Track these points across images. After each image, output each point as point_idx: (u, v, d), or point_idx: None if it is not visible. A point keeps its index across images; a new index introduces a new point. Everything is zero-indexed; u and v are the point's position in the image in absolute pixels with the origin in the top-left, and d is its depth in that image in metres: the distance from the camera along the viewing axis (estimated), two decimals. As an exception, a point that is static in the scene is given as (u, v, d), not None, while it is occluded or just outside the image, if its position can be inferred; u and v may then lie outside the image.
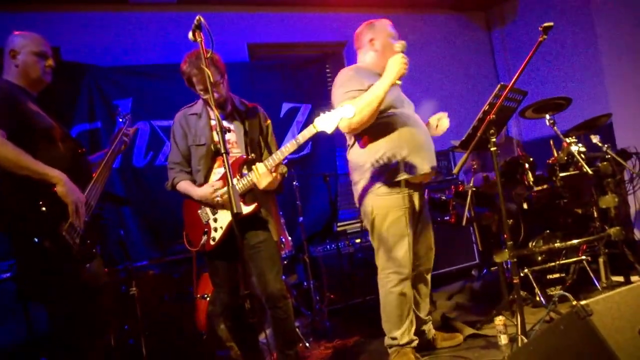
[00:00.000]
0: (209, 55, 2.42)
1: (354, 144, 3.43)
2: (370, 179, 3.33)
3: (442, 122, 3.59)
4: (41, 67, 2.86)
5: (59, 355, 2.91)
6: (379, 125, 3.27)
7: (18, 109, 2.66)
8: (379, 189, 3.31)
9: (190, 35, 2.41)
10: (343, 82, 3.34)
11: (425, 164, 3.31)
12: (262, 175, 3.02)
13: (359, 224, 5.68)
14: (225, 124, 3.18)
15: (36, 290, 2.86)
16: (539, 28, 2.86)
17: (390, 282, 3.31)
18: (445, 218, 5.07)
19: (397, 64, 3.10)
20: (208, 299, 3.83)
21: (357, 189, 3.45)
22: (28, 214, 2.57)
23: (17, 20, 4.94)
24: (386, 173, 3.28)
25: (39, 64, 2.85)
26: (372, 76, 3.33)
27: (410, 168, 3.27)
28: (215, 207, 3.14)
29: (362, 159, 3.38)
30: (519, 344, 2.93)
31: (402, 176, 3.26)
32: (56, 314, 2.79)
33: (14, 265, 3.62)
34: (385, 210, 3.30)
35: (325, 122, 2.92)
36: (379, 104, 3.15)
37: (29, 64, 2.82)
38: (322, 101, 5.59)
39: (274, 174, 3.03)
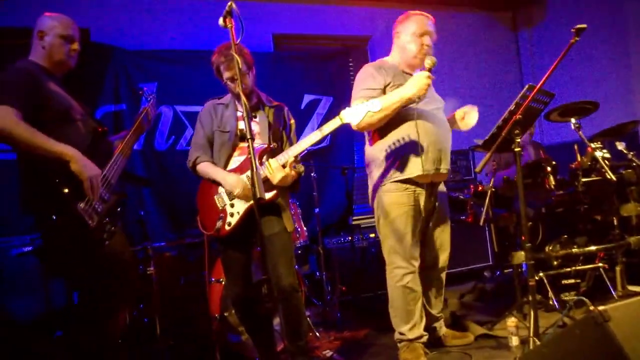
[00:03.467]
0: (238, 40, 2.43)
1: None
2: (379, 175, 3.35)
3: (469, 115, 3.52)
4: (66, 50, 2.88)
5: (75, 330, 2.96)
6: (391, 121, 3.27)
7: (38, 89, 2.68)
8: (386, 185, 3.32)
9: (220, 21, 2.41)
10: (360, 79, 3.35)
11: (431, 163, 3.28)
12: (274, 169, 3.03)
13: (373, 219, 5.67)
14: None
15: (56, 265, 2.90)
16: (572, 30, 2.84)
17: (395, 277, 3.32)
18: (462, 217, 5.06)
19: (418, 83, 3.06)
20: (222, 282, 3.86)
21: (370, 183, 3.47)
22: (46, 192, 2.59)
23: (48, 1, 4.98)
24: (393, 170, 3.29)
25: (64, 47, 2.87)
26: (394, 73, 3.34)
27: (415, 167, 3.26)
28: (230, 196, 3.16)
29: (373, 154, 3.40)
30: (531, 346, 2.93)
31: (407, 174, 3.27)
32: (75, 290, 2.83)
33: (36, 239, 3.68)
34: (389, 206, 3.31)
35: (351, 114, 2.93)
36: (391, 113, 3.17)
37: (54, 46, 2.84)
38: (343, 94, 5.59)
39: (287, 170, 3.05)
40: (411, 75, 3.34)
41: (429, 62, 3.09)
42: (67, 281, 3.13)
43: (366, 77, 3.33)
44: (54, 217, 2.56)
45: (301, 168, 3.30)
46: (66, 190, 2.57)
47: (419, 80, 3.05)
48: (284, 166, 3.06)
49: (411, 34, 3.38)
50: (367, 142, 3.50)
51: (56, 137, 2.60)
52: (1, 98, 2.55)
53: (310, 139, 3.01)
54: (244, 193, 3.06)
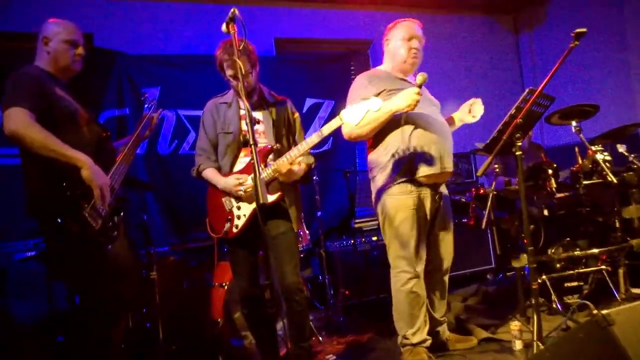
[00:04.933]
0: (241, 46, 2.45)
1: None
2: (383, 178, 3.37)
3: (475, 107, 3.57)
4: (71, 55, 2.91)
5: (78, 335, 2.97)
6: (390, 125, 3.30)
7: (44, 93, 2.70)
8: (390, 188, 3.33)
9: (223, 27, 2.43)
10: (354, 89, 3.41)
11: (435, 164, 3.30)
12: (281, 166, 3.05)
13: (376, 222, 5.68)
14: (254, 114, 3.20)
15: (59, 269, 2.92)
16: (571, 34, 2.85)
17: (400, 281, 3.33)
18: (464, 220, 5.06)
19: (408, 98, 3.06)
20: (225, 287, 3.87)
21: (373, 187, 3.49)
22: (52, 195, 2.61)
23: (53, 6, 5.02)
24: (397, 173, 3.31)
25: (69, 52, 2.91)
26: (388, 80, 3.37)
27: (420, 167, 3.28)
28: (237, 198, 3.17)
29: (375, 159, 3.42)
30: (535, 350, 2.93)
31: (411, 176, 3.29)
32: (77, 294, 2.84)
33: (39, 244, 3.69)
34: (394, 210, 3.32)
35: (351, 114, 2.94)
36: (379, 125, 3.25)
37: (59, 51, 2.88)
38: (345, 98, 5.58)
39: (295, 166, 3.07)
40: (405, 80, 3.43)
41: (420, 78, 3.07)
42: (69, 285, 3.13)
43: (359, 88, 3.38)
44: (60, 220, 2.58)
45: (311, 159, 3.32)
46: (72, 193, 2.59)
47: (409, 96, 3.06)
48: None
49: (400, 39, 3.44)
50: (368, 144, 3.53)
51: (63, 141, 2.63)
52: (13, 100, 2.58)
53: (312, 140, 3.03)
54: (247, 194, 3.08)
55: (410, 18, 3.54)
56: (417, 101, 3.06)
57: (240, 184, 3.09)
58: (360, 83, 3.41)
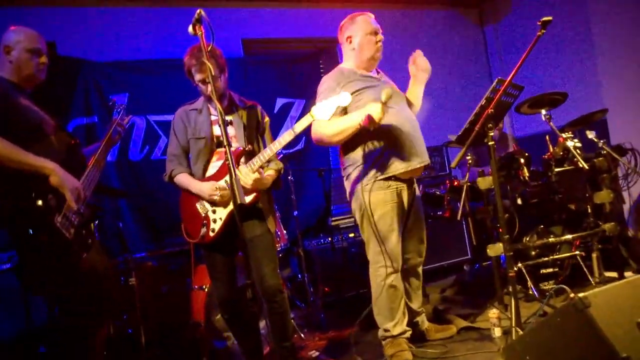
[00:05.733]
0: (209, 48, 2.43)
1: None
2: (360, 174, 3.37)
3: (418, 61, 3.58)
4: (35, 64, 2.86)
5: (58, 345, 2.93)
6: None
7: (8, 104, 2.66)
8: (368, 185, 3.33)
9: (190, 28, 2.42)
10: (321, 92, 3.39)
11: (413, 159, 3.33)
12: (244, 175, 3.02)
13: (352, 219, 5.71)
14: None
15: (35, 281, 2.87)
16: (538, 22, 2.90)
17: (380, 276, 3.35)
18: (439, 213, 5.11)
19: (374, 114, 3.04)
20: (205, 290, 3.85)
21: (348, 184, 3.49)
22: (22, 207, 2.57)
23: (14, 15, 4.93)
24: (375, 169, 3.32)
25: (32, 60, 2.85)
26: (354, 79, 3.36)
27: (398, 163, 3.30)
28: (211, 203, 3.15)
29: (349, 156, 3.43)
30: (513, 337, 2.97)
31: (390, 172, 3.30)
32: (55, 304, 2.81)
33: (13, 257, 3.63)
34: (374, 205, 3.33)
35: (322, 111, 2.95)
36: (345, 137, 3.28)
37: (22, 60, 2.82)
38: (315, 96, 5.59)
39: (256, 175, 3.04)
40: (370, 76, 3.43)
41: (384, 96, 3.06)
42: (47, 297, 3.08)
43: (326, 90, 3.35)
44: (31, 232, 2.54)
45: (280, 165, 3.31)
46: (42, 204, 2.55)
47: (374, 113, 3.04)
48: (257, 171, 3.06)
49: (365, 35, 3.42)
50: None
51: (30, 152, 2.59)
52: None
53: (284, 138, 3.02)
54: (223, 199, 3.06)
55: (368, 13, 3.53)
56: (381, 119, 3.07)
57: (217, 189, 3.07)
58: (328, 86, 3.37)
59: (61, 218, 2.60)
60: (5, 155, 2.52)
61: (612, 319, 2.04)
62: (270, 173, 3.24)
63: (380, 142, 3.31)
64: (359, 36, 3.44)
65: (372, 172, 3.32)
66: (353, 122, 3.18)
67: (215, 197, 3.07)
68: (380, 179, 3.31)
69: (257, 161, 3.06)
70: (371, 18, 3.50)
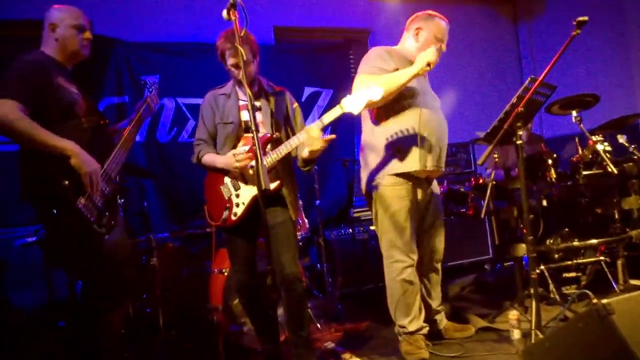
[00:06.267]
0: (242, 33, 2.43)
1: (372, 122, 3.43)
2: (377, 163, 3.36)
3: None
4: (79, 39, 2.90)
5: (77, 321, 2.97)
6: (400, 110, 3.29)
7: (45, 80, 2.69)
8: (384, 178, 3.33)
9: (224, 13, 2.40)
10: (370, 58, 3.35)
11: (432, 160, 3.31)
12: (314, 138, 2.99)
13: (374, 211, 5.69)
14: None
15: (58, 257, 2.91)
16: (573, 22, 2.84)
17: (395, 270, 3.34)
18: (463, 210, 5.06)
19: (428, 55, 3.06)
20: (225, 273, 3.87)
21: (364, 174, 3.48)
22: (47, 187, 2.60)
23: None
24: (393, 161, 3.30)
25: (77, 37, 2.89)
26: (402, 61, 3.32)
27: (417, 161, 3.27)
28: (235, 177, 3.15)
29: (371, 140, 3.40)
30: (533, 340, 2.94)
31: (408, 168, 3.28)
32: (76, 282, 2.85)
33: (39, 230, 3.69)
34: (388, 200, 3.33)
35: (352, 103, 2.92)
36: (398, 88, 3.16)
37: (67, 37, 2.85)
38: (344, 87, 5.59)
39: (321, 132, 3.01)
40: None
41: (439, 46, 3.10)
42: (68, 273, 3.13)
43: (377, 57, 3.32)
44: (54, 212, 2.57)
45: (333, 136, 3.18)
46: (66, 185, 2.57)
47: (428, 52, 3.07)
48: None
49: (434, 36, 3.40)
50: (365, 125, 3.48)
51: (58, 132, 2.61)
52: (6, 91, 2.56)
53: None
54: (240, 164, 3.04)
55: (445, 19, 3.50)
56: (437, 59, 3.06)
57: (235, 155, 3.06)
58: (377, 52, 3.35)
59: (85, 200, 2.62)
60: (28, 135, 2.54)
61: (635, 326, 2.01)
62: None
63: (407, 133, 3.27)
64: (428, 33, 3.41)
65: (391, 164, 3.30)
66: (402, 73, 3.13)
67: (236, 165, 3.05)
68: (396, 174, 3.29)
69: (283, 149, 3.05)
70: (446, 27, 3.46)
